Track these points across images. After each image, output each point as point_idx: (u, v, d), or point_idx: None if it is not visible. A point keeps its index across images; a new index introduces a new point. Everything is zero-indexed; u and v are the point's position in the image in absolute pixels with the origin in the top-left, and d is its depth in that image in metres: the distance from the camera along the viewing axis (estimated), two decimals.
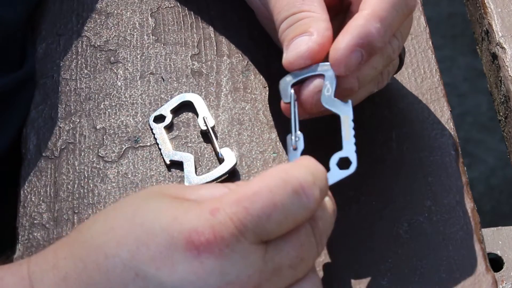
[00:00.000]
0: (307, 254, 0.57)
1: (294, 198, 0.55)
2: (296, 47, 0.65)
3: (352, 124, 0.64)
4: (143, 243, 0.54)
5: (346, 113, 0.64)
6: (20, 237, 0.71)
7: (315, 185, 0.56)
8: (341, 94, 0.65)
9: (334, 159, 0.63)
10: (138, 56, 0.81)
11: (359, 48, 0.63)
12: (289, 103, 0.66)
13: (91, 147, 0.75)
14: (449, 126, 0.75)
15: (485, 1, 0.83)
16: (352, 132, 0.63)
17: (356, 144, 0.63)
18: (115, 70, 0.80)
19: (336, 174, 0.62)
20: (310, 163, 0.58)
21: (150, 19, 0.83)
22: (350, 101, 0.65)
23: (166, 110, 0.76)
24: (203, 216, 0.55)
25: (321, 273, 0.67)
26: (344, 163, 0.63)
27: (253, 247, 0.55)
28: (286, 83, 0.67)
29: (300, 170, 0.57)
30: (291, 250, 0.56)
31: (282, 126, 0.75)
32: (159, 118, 0.76)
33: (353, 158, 0.62)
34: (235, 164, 0.72)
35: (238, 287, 0.54)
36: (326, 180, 0.58)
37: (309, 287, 0.58)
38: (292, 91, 0.66)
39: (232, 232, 0.54)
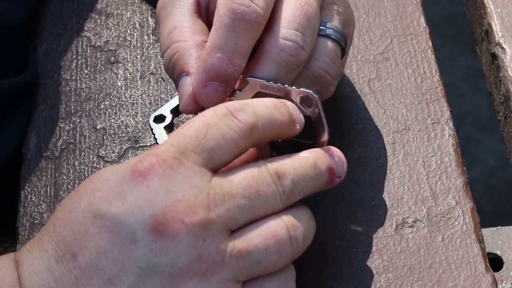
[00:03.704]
0: (263, 188, 0.59)
1: (224, 118, 0.60)
2: (181, 95, 0.66)
3: None
4: (98, 189, 0.58)
5: None
6: (20, 237, 0.71)
7: (243, 110, 0.60)
8: None
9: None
10: (138, 56, 0.81)
11: (211, 82, 0.64)
12: None
13: (91, 147, 0.75)
14: (449, 126, 0.75)
15: (485, 1, 0.83)
16: None
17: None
18: (115, 70, 0.80)
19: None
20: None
21: (150, 19, 0.83)
22: None
23: (166, 110, 0.76)
24: (147, 151, 0.60)
25: (320, 273, 0.67)
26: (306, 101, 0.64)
27: (197, 168, 0.58)
28: None
29: (228, 102, 0.62)
30: (242, 180, 0.59)
31: None
32: (159, 118, 0.76)
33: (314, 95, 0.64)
34: None
35: (185, 205, 0.57)
36: (263, 108, 0.61)
37: (281, 281, 0.59)
38: None
39: (173, 156, 0.58)
